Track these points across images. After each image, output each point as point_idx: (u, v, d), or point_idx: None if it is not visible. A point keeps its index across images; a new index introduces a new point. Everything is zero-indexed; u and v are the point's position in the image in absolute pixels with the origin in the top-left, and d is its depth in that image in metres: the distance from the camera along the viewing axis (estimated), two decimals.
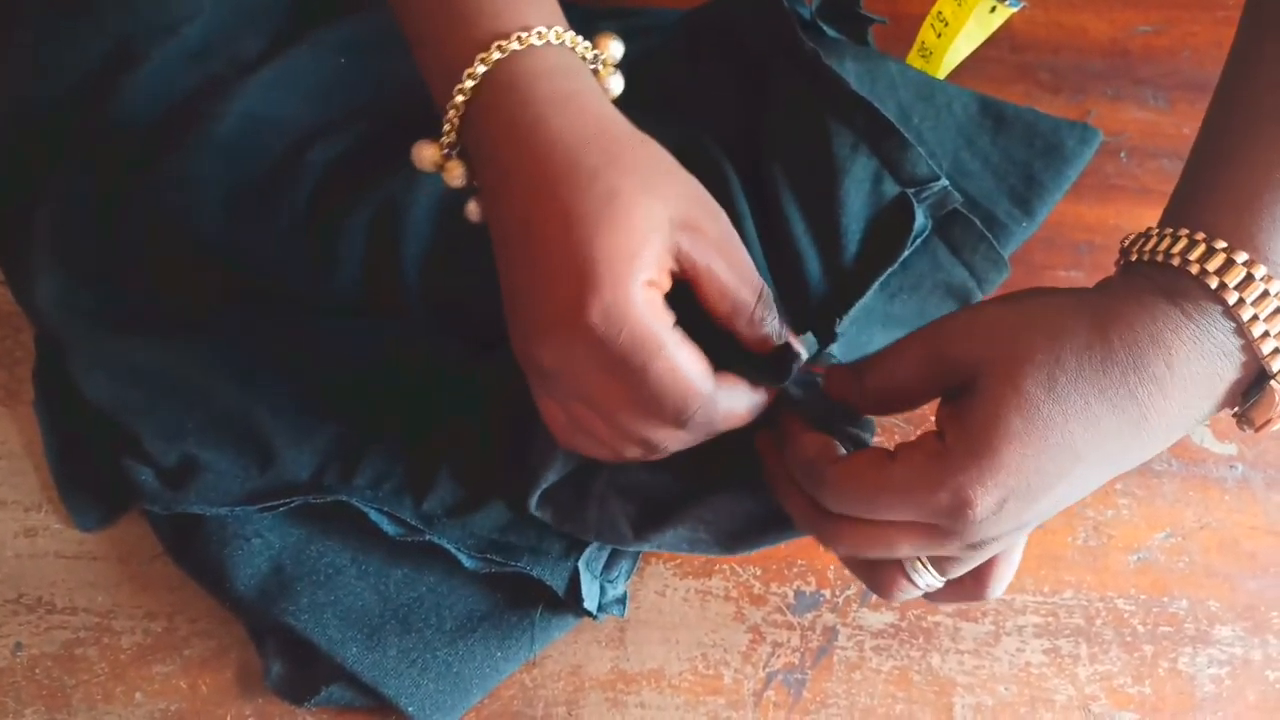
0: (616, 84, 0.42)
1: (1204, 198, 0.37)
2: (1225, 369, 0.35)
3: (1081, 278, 0.56)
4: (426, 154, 0.41)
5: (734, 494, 0.45)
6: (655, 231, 0.36)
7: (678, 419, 0.38)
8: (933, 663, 0.49)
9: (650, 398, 0.37)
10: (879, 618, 0.50)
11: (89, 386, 0.47)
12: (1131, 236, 0.38)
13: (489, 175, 0.39)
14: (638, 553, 0.49)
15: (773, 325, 0.39)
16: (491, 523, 0.46)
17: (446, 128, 0.40)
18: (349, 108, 0.53)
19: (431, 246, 0.51)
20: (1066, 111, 0.59)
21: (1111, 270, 0.39)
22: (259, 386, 0.48)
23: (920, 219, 0.48)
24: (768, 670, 0.49)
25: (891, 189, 0.49)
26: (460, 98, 0.39)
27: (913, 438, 0.39)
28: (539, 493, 0.46)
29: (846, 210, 0.48)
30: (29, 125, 0.52)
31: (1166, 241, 0.36)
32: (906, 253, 0.48)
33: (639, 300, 0.36)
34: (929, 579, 0.40)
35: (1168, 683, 0.49)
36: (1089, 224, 0.58)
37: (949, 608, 0.50)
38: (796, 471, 0.40)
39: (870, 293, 0.47)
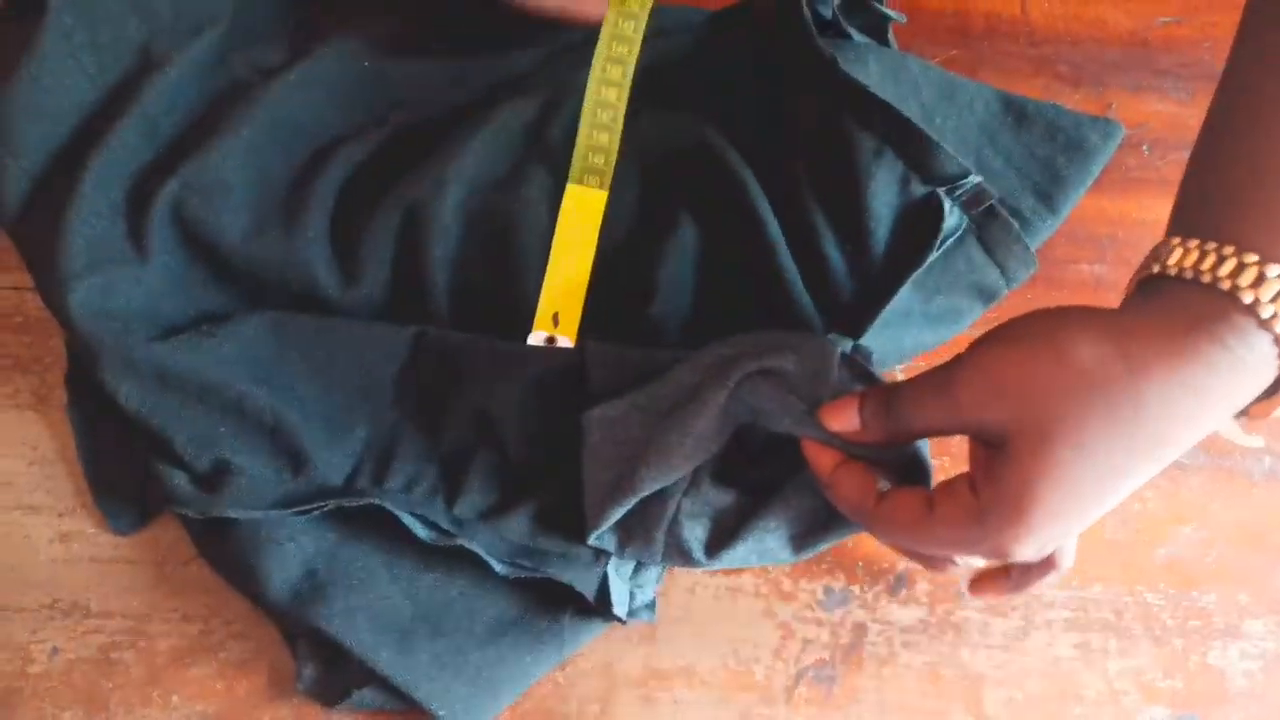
0: None
1: (1222, 204, 0.36)
2: (1256, 383, 0.35)
3: (1105, 271, 0.56)
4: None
5: (794, 497, 0.45)
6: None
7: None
8: (963, 658, 0.49)
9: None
10: (908, 613, 0.50)
11: (121, 392, 0.48)
12: (1154, 250, 0.37)
13: None
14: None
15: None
16: (522, 527, 0.47)
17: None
18: (374, 111, 0.54)
19: (459, 249, 0.51)
20: (1086, 104, 0.59)
21: (1134, 262, 0.39)
22: (290, 390, 0.48)
23: (955, 218, 0.48)
24: (798, 666, 0.49)
25: (920, 189, 0.49)
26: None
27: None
28: (605, 528, 0.46)
29: (873, 215, 0.48)
30: (55, 133, 0.52)
31: (1194, 256, 0.35)
32: (937, 253, 0.48)
33: None
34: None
35: (1199, 677, 0.49)
36: (1112, 218, 0.58)
37: (979, 602, 0.50)
38: (840, 507, 0.42)
39: (904, 292, 0.47)
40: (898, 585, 0.50)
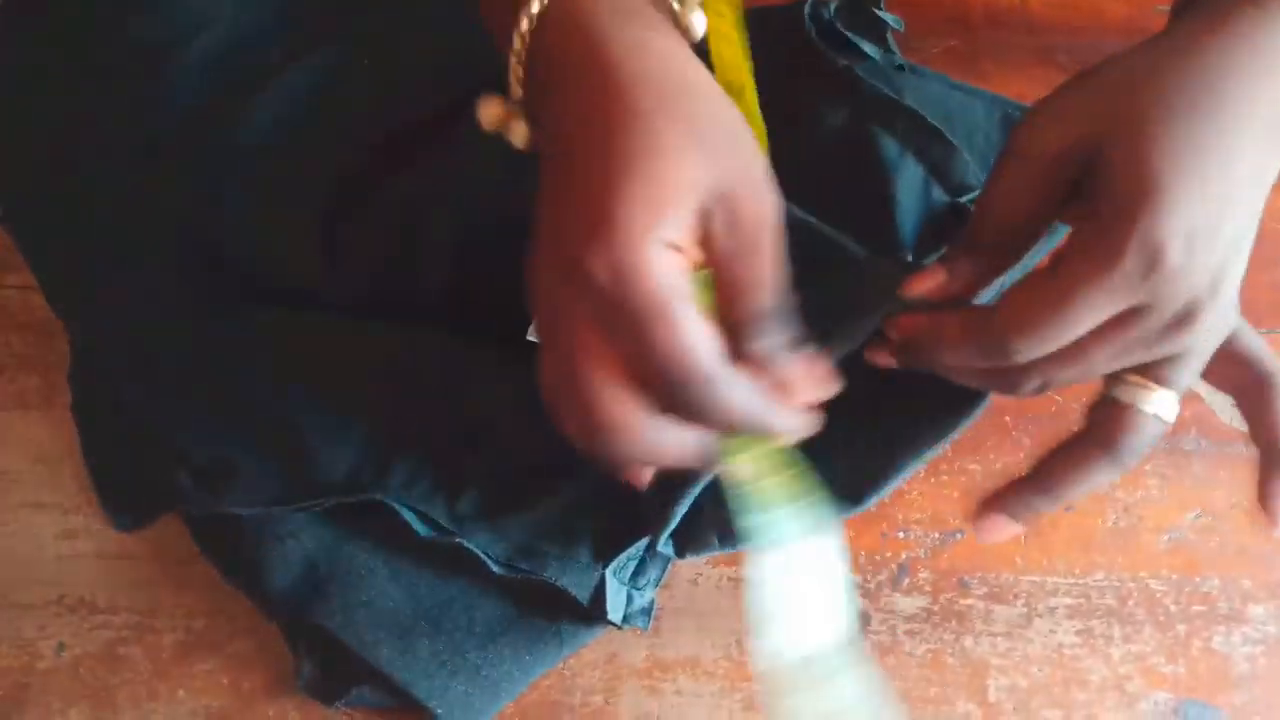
0: (698, 22, 0.38)
1: None
2: None
3: None
4: (491, 111, 0.38)
5: (841, 447, 0.44)
6: (690, 192, 0.33)
7: (668, 398, 0.33)
8: (966, 645, 0.49)
9: (643, 369, 0.33)
10: (911, 602, 0.50)
11: (123, 390, 0.48)
12: None
13: (546, 118, 0.36)
14: (668, 562, 0.49)
15: (773, 346, 0.35)
16: (522, 526, 0.47)
17: (511, 79, 0.37)
18: (371, 106, 0.54)
19: (457, 242, 0.51)
20: None
21: None
22: (290, 387, 0.49)
23: None
24: None
25: (940, 197, 0.49)
26: (519, 43, 0.36)
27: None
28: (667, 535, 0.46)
29: (901, 208, 0.48)
30: (57, 136, 0.52)
31: None
32: None
33: (649, 258, 0.32)
34: (1159, 402, 0.38)
35: (1201, 662, 0.49)
36: None
37: (981, 590, 0.50)
38: (960, 356, 0.38)
39: None
40: (900, 575, 0.50)
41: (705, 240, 0.34)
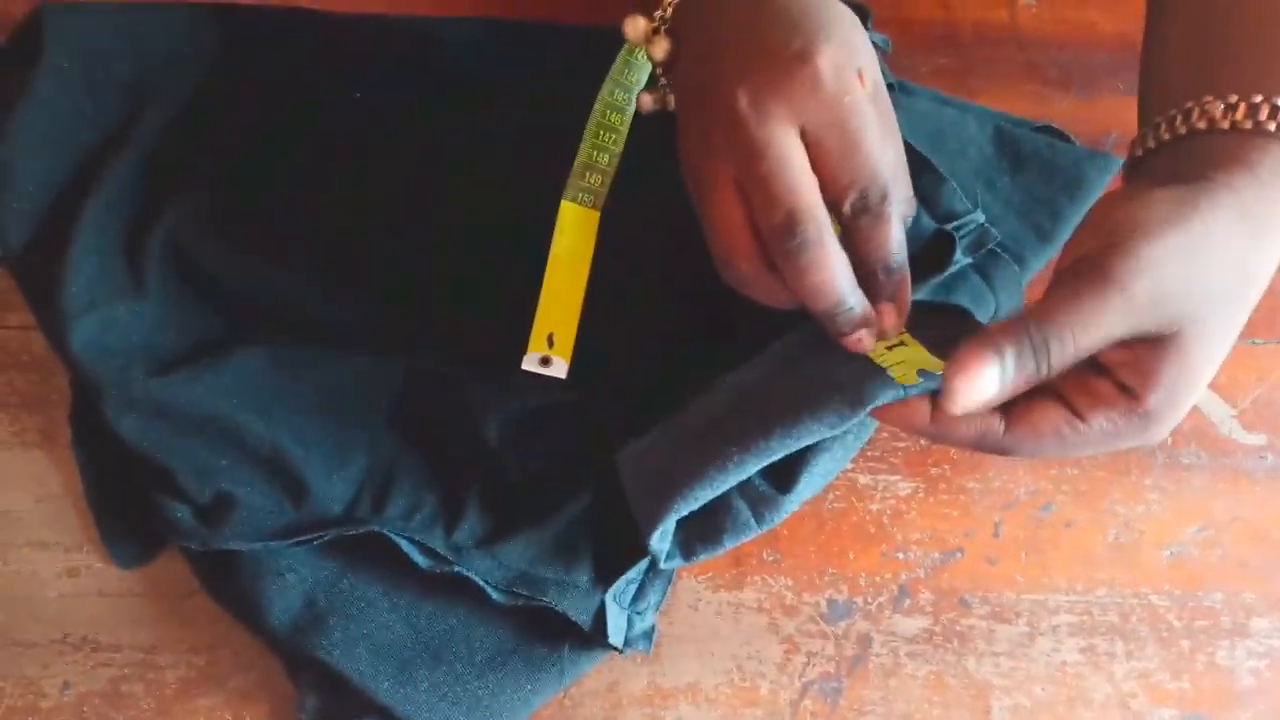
0: None
1: (1258, 58, 0.40)
2: None
3: None
4: (639, 26, 0.43)
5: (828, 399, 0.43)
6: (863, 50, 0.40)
7: (778, 240, 0.39)
8: (968, 666, 0.49)
9: (763, 216, 0.39)
10: (913, 623, 0.50)
11: (122, 428, 0.48)
12: (1183, 111, 0.40)
13: (690, 30, 0.42)
14: (668, 584, 0.49)
15: (885, 225, 0.40)
16: (520, 553, 0.47)
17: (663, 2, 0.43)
18: (367, 138, 0.54)
19: (454, 271, 0.51)
20: (1077, 108, 0.59)
21: None
22: (288, 421, 0.49)
23: (958, 254, 0.49)
24: (804, 680, 0.49)
25: (928, 225, 0.49)
26: None
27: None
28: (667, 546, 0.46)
29: None
30: (54, 173, 0.53)
31: (1242, 109, 0.38)
32: (944, 277, 0.48)
33: (780, 124, 0.38)
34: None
35: (1206, 677, 0.49)
36: None
37: (984, 609, 0.50)
38: (966, 446, 0.40)
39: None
40: (901, 596, 0.50)
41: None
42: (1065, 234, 0.54)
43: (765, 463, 0.42)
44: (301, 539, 0.46)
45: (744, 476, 0.42)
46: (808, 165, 0.39)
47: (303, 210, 0.53)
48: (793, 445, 0.41)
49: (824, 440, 0.44)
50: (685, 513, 0.44)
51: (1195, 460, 0.53)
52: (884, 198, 0.40)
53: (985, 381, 0.36)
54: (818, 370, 0.42)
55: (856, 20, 0.41)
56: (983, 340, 0.36)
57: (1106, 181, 0.54)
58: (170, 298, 0.52)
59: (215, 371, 0.49)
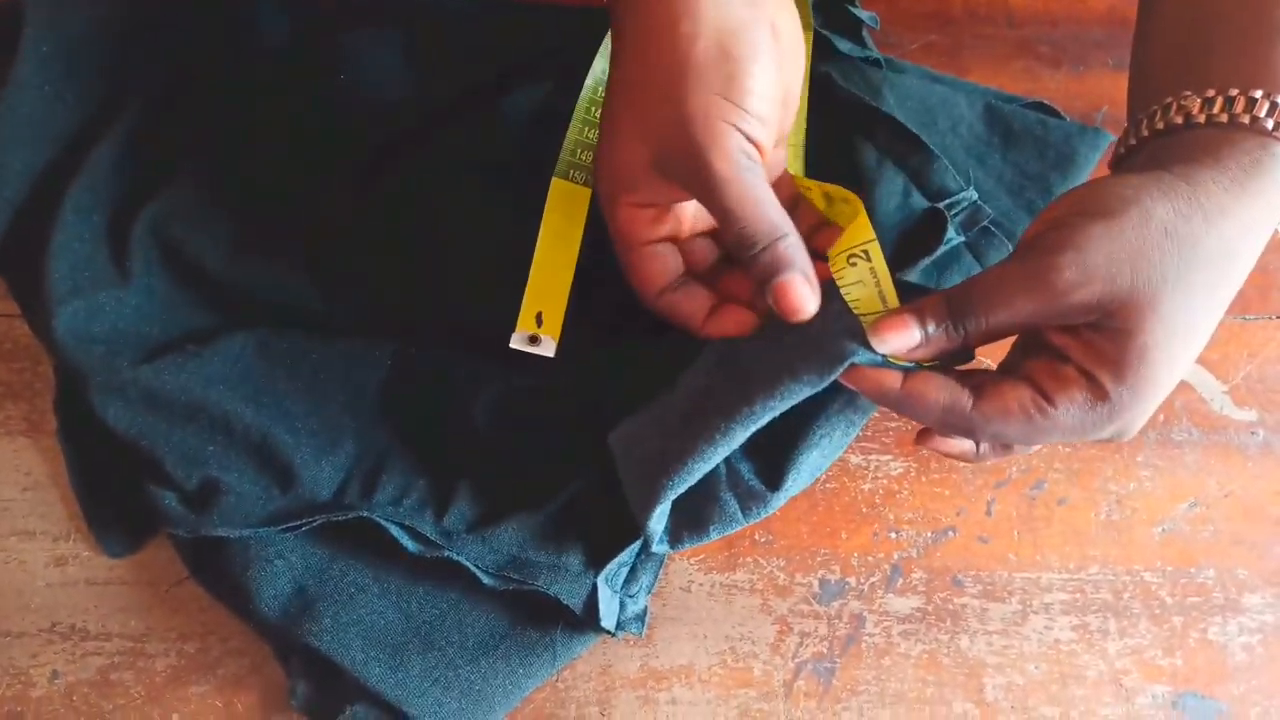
0: None
1: (1236, 54, 0.40)
2: None
3: None
4: None
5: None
6: (635, 167, 0.41)
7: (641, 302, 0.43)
8: (961, 645, 0.49)
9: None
10: (905, 603, 0.50)
11: (108, 414, 0.48)
12: (1164, 105, 0.40)
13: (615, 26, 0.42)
14: (660, 567, 0.49)
15: (761, 269, 0.39)
16: (511, 537, 0.46)
17: None
18: (350, 125, 0.54)
19: (442, 254, 0.51)
20: (1068, 84, 0.59)
21: None
22: (276, 407, 0.49)
23: (951, 231, 0.48)
24: (797, 660, 0.49)
25: (920, 203, 0.49)
26: None
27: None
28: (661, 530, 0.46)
29: (878, 221, 0.48)
30: (36, 161, 0.52)
31: (1219, 103, 0.39)
32: (935, 256, 0.48)
33: (618, 217, 0.42)
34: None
35: (1199, 653, 0.49)
36: None
37: (976, 588, 0.50)
38: (932, 422, 0.40)
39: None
40: (894, 575, 0.50)
41: None
42: None
43: (753, 429, 0.42)
44: (290, 525, 0.46)
45: (734, 445, 0.42)
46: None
47: (289, 196, 0.52)
48: (777, 407, 0.41)
49: (812, 437, 0.45)
50: (681, 489, 0.43)
51: (1187, 437, 0.53)
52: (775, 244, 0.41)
53: (908, 334, 0.39)
54: (796, 334, 0.41)
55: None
56: (910, 307, 0.40)
57: (1097, 158, 0.54)
58: (155, 284, 0.51)
59: (202, 357, 0.49)
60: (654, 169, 0.41)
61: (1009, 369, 0.41)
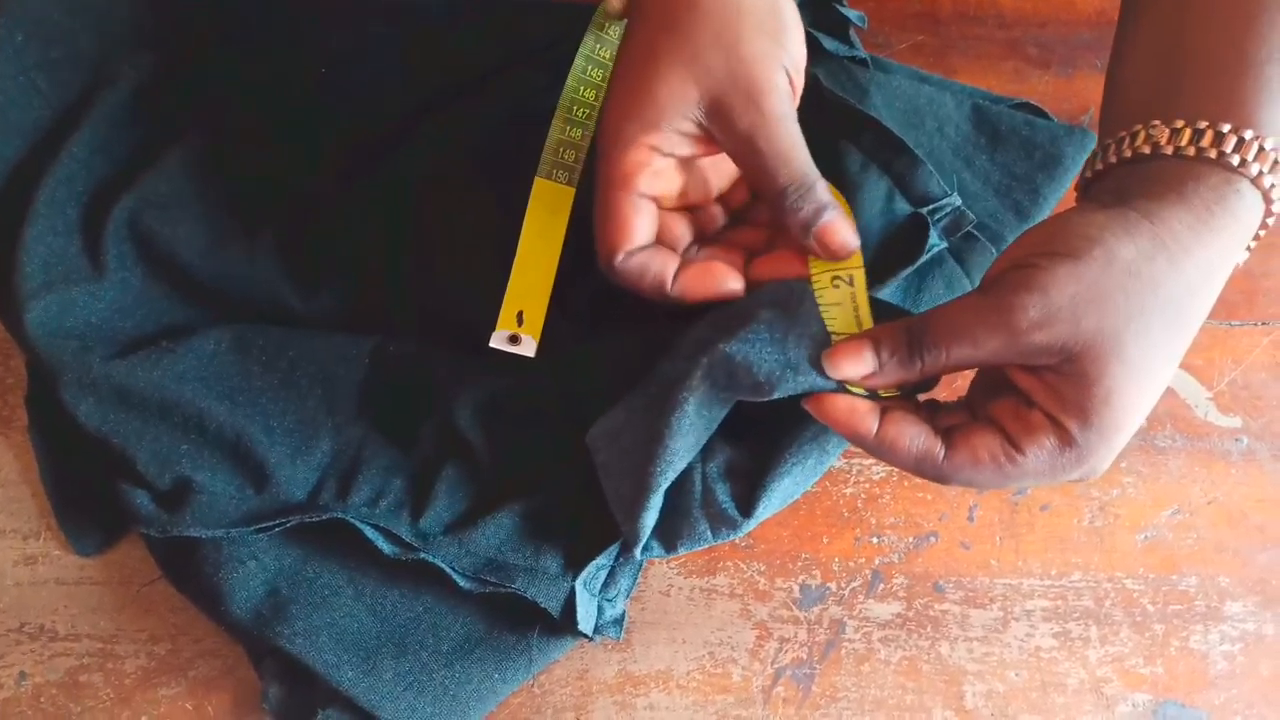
0: None
1: (1205, 86, 0.39)
2: (1249, 237, 0.39)
3: None
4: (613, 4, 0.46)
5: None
6: (675, 106, 0.41)
7: (605, 258, 0.43)
8: (942, 651, 0.49)
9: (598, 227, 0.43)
10: (886, 609, 0.49)
11: (80, 412, 0.47)
12: (1131, 133, 0.40)
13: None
14: (639, 571, 0.48)
15: (807, 213, 0.41)
16: (488, 540, 0.46)
17: None
18: (329, 119, 0.53)
19: (421, 251, 0.50)
20: (1056, 86, 0.59)
21: None
22: (251, 404, 0.48)
23: (934, 237, 0.48)
24: (776, 666, 0.48)
25: (904, 208, 0.48)
26: None
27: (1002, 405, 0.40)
28: (645, 537, 0.45)
29: (860, 228, 0.48)
30: (8, 152, 0.51)
31: (1187, 135, 0.38)
32: (917, 264, 0.48)
33: (626, 158, 0.42)
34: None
35: (1180, 661, 0.49)
36: None
37: (957, 595, 0.49)
38: (904, 469, 0.40)
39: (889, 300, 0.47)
40: (875, 581, 0.50)
41: (717, 142, 0.42)
42: (1043, 212, 0.53)
43: (712, 401, 0.42)
44: (264, 526, 0.45)
45: (700, 422, 0.42)
46: (640, 217, 0.43)
47: (269, 189, 0.52)
48: (734, 368, 0.41)
49: (784, 465, 0.45)
50: (672, 476, 0.43)
51: (1171, 443, 0.52)
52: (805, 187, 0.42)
53: (861, 361, 0.40)
54: (750, 304, 0.42)
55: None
56: (867, 332, 0.40)
57: (1084, 159, 0.54)
58: (130, 279, 0.50)
59: (176, 354, 0.48)
60: (699, 108, 0.41)
61: (973, 407, 0.41)
